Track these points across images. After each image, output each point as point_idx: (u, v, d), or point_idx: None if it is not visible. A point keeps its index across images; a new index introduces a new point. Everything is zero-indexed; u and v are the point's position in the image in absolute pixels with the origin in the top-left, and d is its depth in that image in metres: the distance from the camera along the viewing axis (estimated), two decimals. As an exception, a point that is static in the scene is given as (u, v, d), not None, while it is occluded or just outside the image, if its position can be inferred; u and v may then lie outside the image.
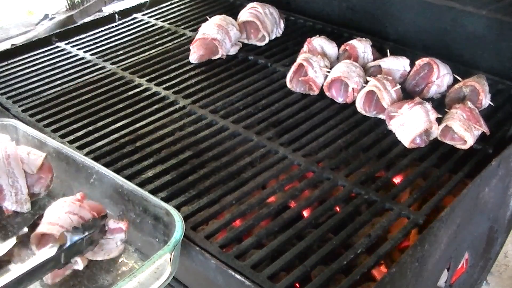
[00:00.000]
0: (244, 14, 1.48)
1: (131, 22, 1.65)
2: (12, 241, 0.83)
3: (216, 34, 1.39)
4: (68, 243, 0.79)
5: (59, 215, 0.83)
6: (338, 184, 0.99)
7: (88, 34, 1.57)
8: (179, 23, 1.63)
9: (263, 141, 1.10)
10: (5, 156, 0.90)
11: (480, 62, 1.30)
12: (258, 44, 1.48)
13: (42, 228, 0.82)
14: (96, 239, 0.84)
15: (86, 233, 0.81)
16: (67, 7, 3.31)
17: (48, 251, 0.78)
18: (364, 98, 1.16)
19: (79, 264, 0.82)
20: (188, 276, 1.01)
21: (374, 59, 1.31)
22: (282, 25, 1.53)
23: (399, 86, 1.16)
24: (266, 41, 1.48)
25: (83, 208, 0.85)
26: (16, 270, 0.74)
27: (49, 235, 0.81)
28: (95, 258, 0.84)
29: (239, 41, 1.47)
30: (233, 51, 1.44)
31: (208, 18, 1.48)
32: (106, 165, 0.99)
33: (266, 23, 1.47)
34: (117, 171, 0.99)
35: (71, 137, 1.13)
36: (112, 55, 1.46)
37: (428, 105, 1.08)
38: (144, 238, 0.87)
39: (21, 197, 0.91)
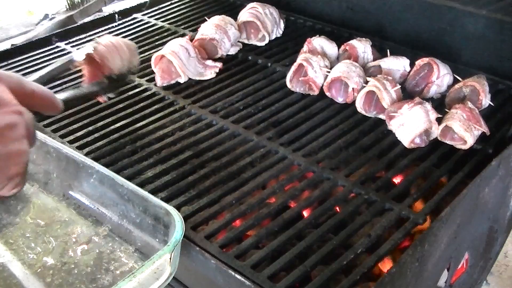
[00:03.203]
0: (244, 14, 1.48)
1: (131, 22, 1.65)
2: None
3: (214, 34, 1.39)
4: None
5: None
6: (338, 184, 0.99)
7: (88, 34, 1.57)
8: (179, 23, 1.63)
9: (263, 141, 1.10)
10: None
11: (480, 62, 1.30)
12: (258, 44, 1.48)
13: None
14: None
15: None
16: (67, 7, 3.31)
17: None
18: (364, 98, 1.16)
19: None
20: (188, 276, 1.01)
21: (374, 59, 1.31)
22: (282, 25, 1.53)
23: (399, 86, 1.16)
24: (266, 41, 1.48)
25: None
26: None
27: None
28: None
29: (239, 41, 1.47)
30: (233, 51, 1.44)
31: (206, 18, 1.48)
32: (106, 165, 0.99)
33: (266, 23, 1.47)
34: (117, 171, 0.99)
35: (71, 137, 1.13)
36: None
37: (428, 105, 1.08)
38: (144, 238, 0.87)
39: None
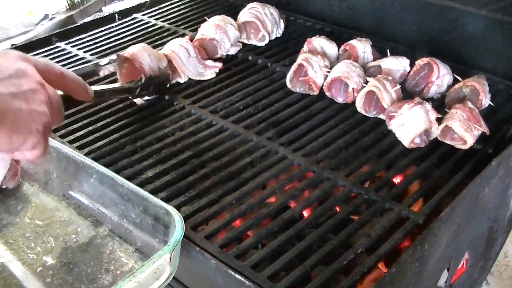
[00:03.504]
0: (244, 14, 1.48)
1: (131, 22, 1.65)
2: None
3: (215, 34, 1.39)
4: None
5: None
6: (338, 184, 0.99)
7: (88, 34, 1.57)
8: (179, 23, 1.63)
9: (263, 141, 1.10)
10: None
11: (480, 62, 1.30)
12: (258, 44, 1.48)
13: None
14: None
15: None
16: (67, 7, 3.32)
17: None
18: (364, 98, 1.16)
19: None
20: (188, 276, 1.01)
21: (374, 59, 1.31)
22: (282, 25, 1.53)
23: (399, 86, 1.16)
24: (266, 41, 1.48)
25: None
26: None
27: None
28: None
29: (239, 41, 1.47)
30: (233, 51, 1.44)
31: (206, 18, 1.48)
32: (106, 165, 0.99)
33: (266, 23, 1.47)
34: (117, 171, 0.99)
35: (71, 137, 1.13)
36: (112, 55, 1.45)
37: (428, 105, 1.08)
38: (144, 238, 0.87)
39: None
